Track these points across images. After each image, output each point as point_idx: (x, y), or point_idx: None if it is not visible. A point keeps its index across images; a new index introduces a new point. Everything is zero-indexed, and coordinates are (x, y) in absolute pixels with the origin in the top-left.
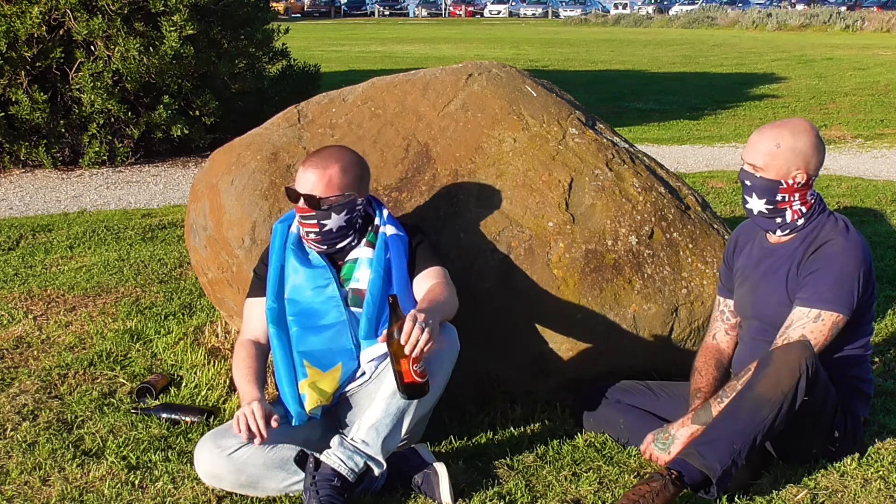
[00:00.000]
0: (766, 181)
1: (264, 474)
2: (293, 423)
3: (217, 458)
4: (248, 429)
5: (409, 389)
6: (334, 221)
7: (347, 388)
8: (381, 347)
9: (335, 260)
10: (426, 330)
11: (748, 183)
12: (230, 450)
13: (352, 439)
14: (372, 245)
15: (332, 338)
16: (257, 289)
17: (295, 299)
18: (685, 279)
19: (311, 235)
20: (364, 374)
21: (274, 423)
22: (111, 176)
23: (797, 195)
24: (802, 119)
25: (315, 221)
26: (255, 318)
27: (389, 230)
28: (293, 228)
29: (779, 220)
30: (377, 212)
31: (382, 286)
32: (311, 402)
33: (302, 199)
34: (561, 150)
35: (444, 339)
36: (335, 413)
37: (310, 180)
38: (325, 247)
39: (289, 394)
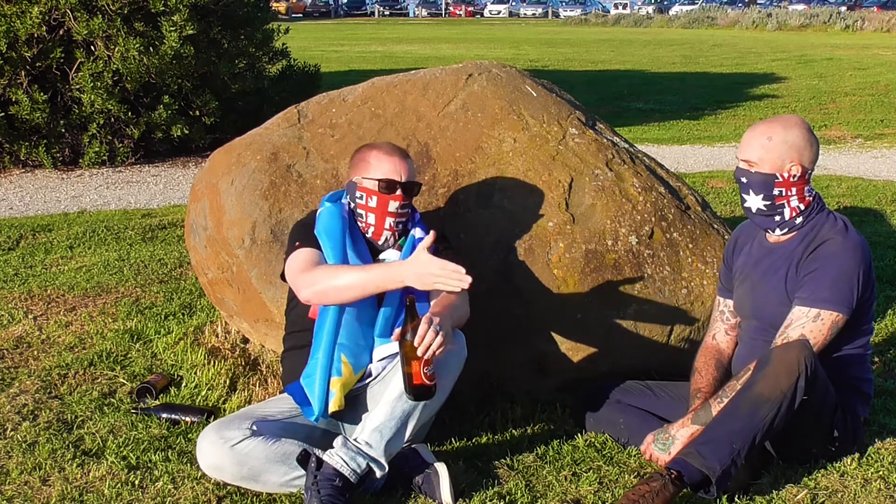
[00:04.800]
0: (762, 175)
1: (266, 468)
2: (311, 419)
3: (219, 449)
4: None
5: (417, 391)
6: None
7: (355, 387)
8: (391, 347)
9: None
10: (440, 333)
11: (744, 180)
12: (233, 441)
13: (355, 440)
14: (401, 248)
15: (368, 337)
16: (311, 242)
17: None
18: (685, 279)
19: (392, 223)
20: (370, 373)
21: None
22: (111, 176)
23: (794, 189)
24: (793, 115)
25: (408, 210)
26: (317, 256)
27: (418, 233)
28: (345, 215)
29: (777, 217)
30: (413, 214)
31: (404, 287)
32: (335, 403)
33: (400, 189)
34: (561, 150)
35: (453, 344)
36: (338, 411)
37: (405, 167)
38: (399, 231)
39: (319, 387)
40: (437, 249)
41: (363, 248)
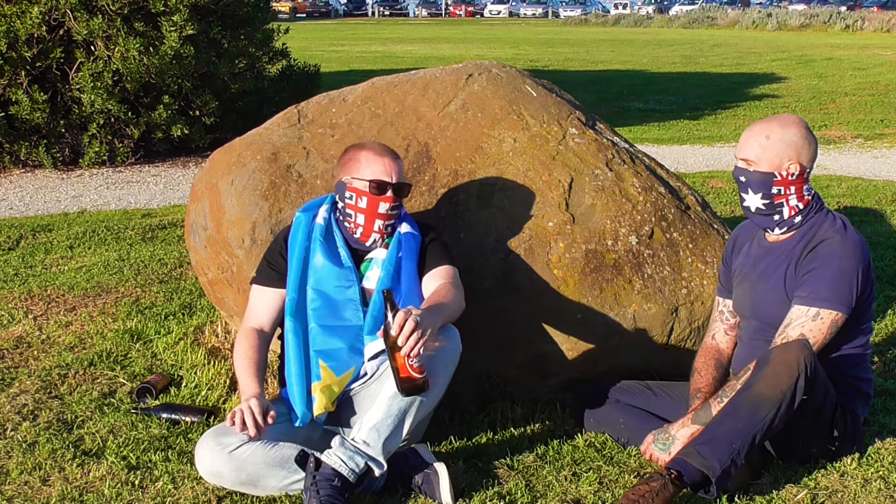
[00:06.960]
0: (761, 174)
1: (265, 472)
2: (296, 424)
3: (218, 455)
4: (244, 424)
5: (405, 384)
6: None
7: (350, 388)
8: (380, 344)
9: (357, 260)
10: (420, 323)
11: (743, 179)
12: (231, 447)
13: (353, 440)
14: (387, 246)
15: (351, 339)
16: (266, 277)
17: (319, 290)
18: (685, 279)
19: (381, 225)
20: (366, 373)
21: (270, 421)
22: (111, 176)
23: (793, 188)
24: (791, 114)
25: (397, 212)
26: (261, 305)
27: (404, 228)
28: (319, 220)
29: (776, 216)
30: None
31: (391, 285)
32: (319, 406)
33: (391, 190)
34: (561, 150)
35: (445, 339)
36: (336, 412)
37: (395, 168)
38: (387, 233)
39: (297, 394)
40: (423, 242)
41: (336, 254)
